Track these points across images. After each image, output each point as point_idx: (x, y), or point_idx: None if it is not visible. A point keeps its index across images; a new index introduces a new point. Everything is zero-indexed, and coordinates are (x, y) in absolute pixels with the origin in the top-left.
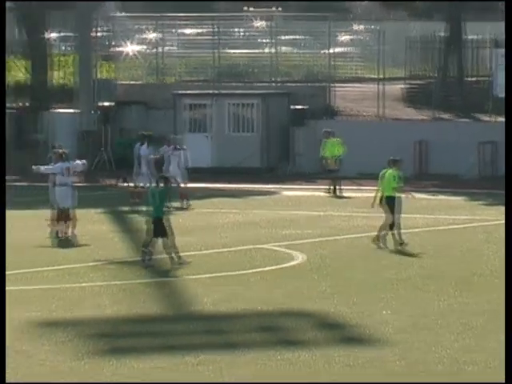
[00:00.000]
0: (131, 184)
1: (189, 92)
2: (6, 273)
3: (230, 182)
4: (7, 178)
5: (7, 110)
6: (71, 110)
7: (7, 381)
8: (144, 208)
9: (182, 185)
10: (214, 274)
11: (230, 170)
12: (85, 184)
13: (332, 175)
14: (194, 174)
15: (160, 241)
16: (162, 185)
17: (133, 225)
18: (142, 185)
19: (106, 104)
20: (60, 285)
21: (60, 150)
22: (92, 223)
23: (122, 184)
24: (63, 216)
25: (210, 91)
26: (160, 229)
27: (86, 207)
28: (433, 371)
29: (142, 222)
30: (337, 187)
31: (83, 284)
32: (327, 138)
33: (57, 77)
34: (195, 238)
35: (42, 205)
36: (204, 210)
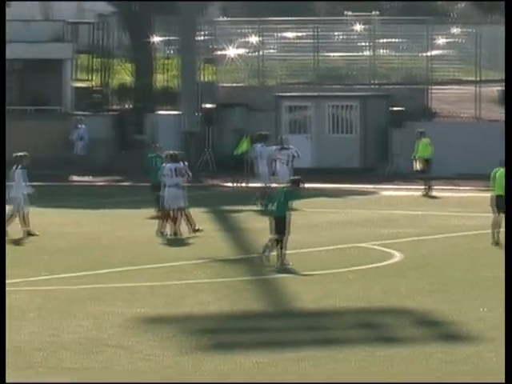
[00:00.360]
0: (244, 184)
1: (289, 94)
2: (113, 270)
3: (329, 182)
4: (112, 178)
5: (111, 113)
6: (175, 112)
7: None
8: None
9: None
10: (314, 272)
11: (330, 170)
12: (188, 184)
13: (422, 176)
14: (295, 174)
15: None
16: (291, 185)
17: (235, 224)
18: (263, 184)
19: (209, 106)
20: (165, 282)
21: (171, 152)
22: (196, 222)
23: (238, 184)
24: (173, 216)
25: (311, 93)
26: (280, 227)
27: (189, 207)
28: None
29: (244, 221)
30: (428, 187)
31: (187, 281)
32: (418, 138)
33: (161, 79)
34: (296, 236)
35: (146, 204)
36: (305, 209)
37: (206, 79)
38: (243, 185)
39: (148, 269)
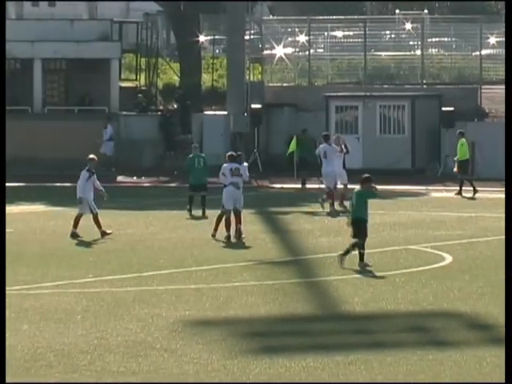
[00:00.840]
0: (308, 185)
1: (338, 94)
2: (159, 272)
3: (379, 184)
4: (158, 179)
5: (158, 113)
6: (222, 112)
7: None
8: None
9: (341, 186)
10: (363, 275)
11: (380, 171)
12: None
13: (462, 176)
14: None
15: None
16: (362, 184)
17: (284, 225)
18: (329, 185)
19: (257, 106)
20: (212, 284)
21: (231, 152)
22: (245, 224)
23: (304, 186)
24: (235, 217)
25: (360, 93)
26: (357, 230)
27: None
28: None
29: (292, 222)
30: (460, 188)
31: (235, 283)
32: (458, 139)
33: (208, 79)
34: (345, 238)
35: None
36: None
37: (253, 79)
38: (308, 186)
39: (194, 271)
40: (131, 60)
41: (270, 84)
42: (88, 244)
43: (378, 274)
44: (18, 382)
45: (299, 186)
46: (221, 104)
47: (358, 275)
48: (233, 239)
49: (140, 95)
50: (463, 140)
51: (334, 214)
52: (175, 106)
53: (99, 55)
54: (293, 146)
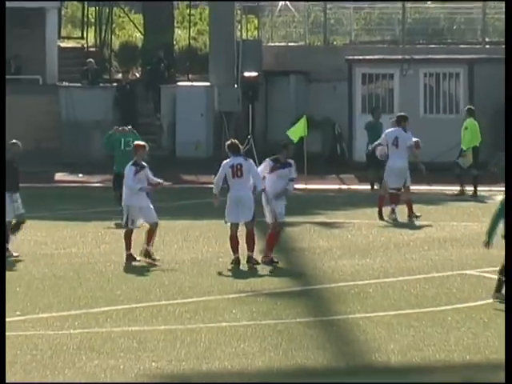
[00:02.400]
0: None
1: (367, 57)
2: (113, 307)
3: (423, 183)
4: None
5: (113, 85)
6: (204, 83)
7: None
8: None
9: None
10: (401, 311)
11: (425, 166)
12: None
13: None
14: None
15: None
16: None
17: (290, 242)
18: (397, 185)
19: (253, 74)
20: (190, 325)
21: (232, 140)
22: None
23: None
24: (246, 237)
25: (397, 56)
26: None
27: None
28: None
29: (301, 238)
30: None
31: (222, 323)
32: (466, 118)
33: (183, 37)
34: (375, 260)
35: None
36: (387, 220)
37: (247, 36)
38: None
39: (164, 306)
40: (75, 10)
41: (270, 43)
42: (14, 267)
43: (422, 310)
44: (18, 381)
45: (309, 186)
46: (201, 72)
47: (395, 311)
48: (242, 265)
49: (89, 60)
50: (471, 121)
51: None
52: (137, 74)
53: (30, 3)
54: (300, 129)
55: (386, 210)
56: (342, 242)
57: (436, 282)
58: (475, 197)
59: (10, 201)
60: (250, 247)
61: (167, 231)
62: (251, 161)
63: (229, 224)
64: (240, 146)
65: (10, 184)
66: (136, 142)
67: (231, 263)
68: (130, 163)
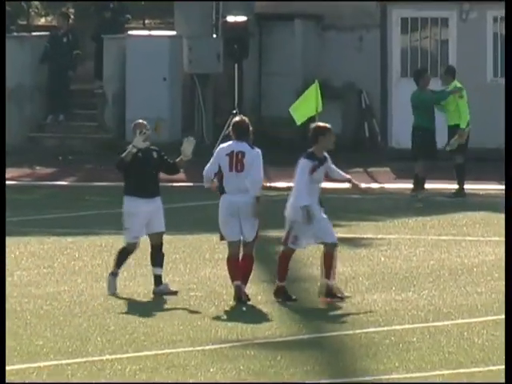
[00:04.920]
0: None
1: None
2: (49, 364)
3: (489, 180)
4: (35, 169)
5: (29, 33)
6: (167, 32)
7: None
8: None
9: None
10: (441, 366)
11: (493, 153)
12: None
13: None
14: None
15: None
16: None
17: (295, 268)
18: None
19: (240, 19)
20: None
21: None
22: (217, 262)
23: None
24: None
25: None
26: None
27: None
28: None
29: (313, 262)
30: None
31: None
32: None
33: None
34: (420, 294)
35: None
36: (433, 234)
37: None
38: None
39: (107, 362)
40: None
41: None
42: None
43: (489, 367)
44: (18, 382)
45: (326, 184)
46: (163, 16)
47: (447, 370)
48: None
49: None
50: (461, 87)
51: None
52: (69, 19)
53: None
54: (310, 104)
55: None
56: (371, 268)
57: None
58: (461, 195)
59: None
60: (244, 276)
61: (112, 251)
62: (259, 152)
63: (225, 241)
64: (250, 129)
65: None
66: (321, 124)
67: (234, 298)
68: (304, 155)
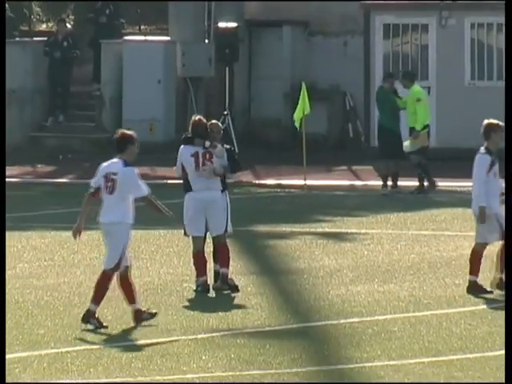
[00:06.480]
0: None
1: (391, 2)
2: None
3: (462, 179)
4: (36, 167)
5: (31, 38)
6: (161, 38)
7: None
8: None
9: None
10: (428, 355)
11: (472, 153)
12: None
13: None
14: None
15: None
16: None
17: (283, 261)
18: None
19: (231, 25)
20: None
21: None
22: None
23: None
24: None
25: (432, 0)
26: None
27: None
28: None
29: (302, 255)
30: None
31: None
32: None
33: None
34: (401, 285)
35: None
36: (417, 229)
37: None
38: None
39: (105, 350)
40: None
41: None
42: None
43: (467, 355)
44: (18, 381)
45: (309, 182)
46: (158, 22)
47: (427, 358)
48: (212, 290)
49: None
50: (419, 90)
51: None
52: (68, 24)
53: None
54: (302, 107)
55: None
56: (355, 261)
57: (488, 316)
58: (424, 192)
59: None
60: (224, 263)
61: None
62: (222, 149)
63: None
64: (205, 127)
65: None
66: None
67: (195, 289)
68: (483, 150)
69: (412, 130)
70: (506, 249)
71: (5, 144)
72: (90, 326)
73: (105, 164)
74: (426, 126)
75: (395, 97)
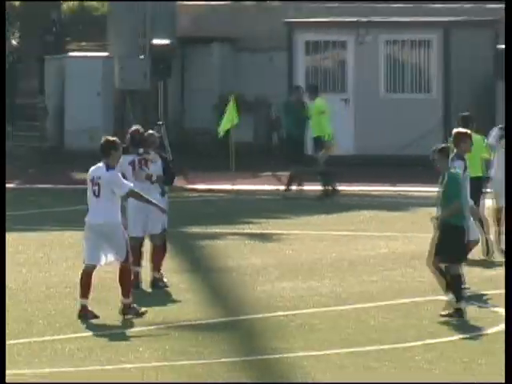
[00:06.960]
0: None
1: (312, 20)
2: None
3: (384, 183)
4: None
5: None
6: (100, 54)
7: None
8: None
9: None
10: (350, 344)
11: (388, 159)
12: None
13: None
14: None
15: None
16: None
17: (211, 259)
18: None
19: (165, 42)
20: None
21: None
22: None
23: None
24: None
25: (351, 19)
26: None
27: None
28: None
29: (227, 254)
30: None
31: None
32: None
33: None
34: (321, 282)
35: None
36: (336, 230)
37: None
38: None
39: (49, 342)
40: None
41: (188, 1)
42: None
43: (383, 346)
44: (18, 381)
45: (237, 186)
46: (96, 38)
47: (346, 349)
48: (145, 286)
49: None
50: (322, 102)
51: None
52: (14, 41)
53: None
54: (230, 118)
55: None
56: (280, 260)
57: (402, 310)
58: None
59: None
60: (156, 266)
61: (54, 245)
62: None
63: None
64: (144, 137)
65: None
66: None
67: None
68: None
69: (317, 139)
70: (506, 249)
71: (5, 144)
72: (133, 319)
73: (92, 168)
74: (330, 136)
75: (302, 108)
